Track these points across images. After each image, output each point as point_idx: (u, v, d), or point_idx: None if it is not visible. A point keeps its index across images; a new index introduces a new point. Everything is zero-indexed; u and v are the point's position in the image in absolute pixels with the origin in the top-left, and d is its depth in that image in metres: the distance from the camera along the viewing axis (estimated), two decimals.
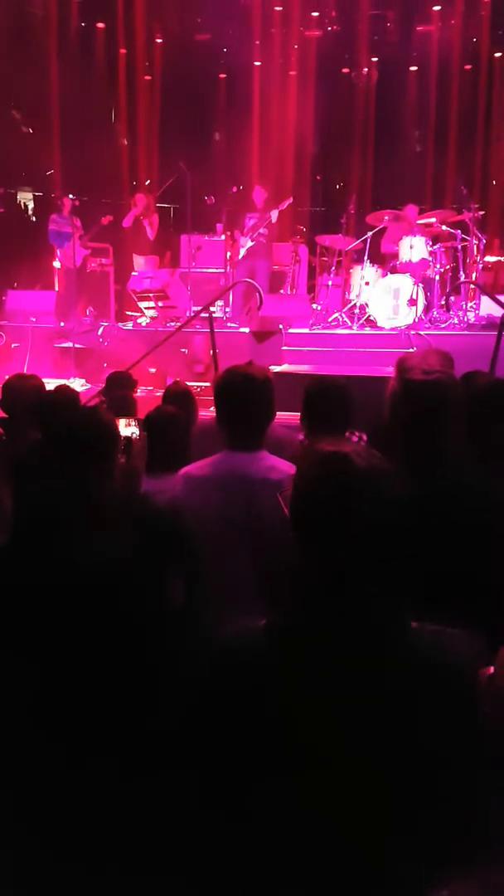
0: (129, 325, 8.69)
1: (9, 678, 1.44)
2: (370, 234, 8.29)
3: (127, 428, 2.05)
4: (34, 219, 12.51)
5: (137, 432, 2.08)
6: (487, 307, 8.01)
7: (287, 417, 2.89)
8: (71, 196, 8.92)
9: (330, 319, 8.19)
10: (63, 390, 3.45)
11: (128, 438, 2.06)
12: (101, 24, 11.88)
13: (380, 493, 1.09)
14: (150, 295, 8.31)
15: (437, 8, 11.60)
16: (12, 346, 7.75)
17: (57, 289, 8.86)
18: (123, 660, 1.44)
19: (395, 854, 1.03)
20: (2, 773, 1.37)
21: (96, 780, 1.36)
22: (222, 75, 12.39)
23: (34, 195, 12.76)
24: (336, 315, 8.19)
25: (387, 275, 7.98)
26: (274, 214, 8.41)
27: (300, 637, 1.10)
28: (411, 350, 6.22)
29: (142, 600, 1.51)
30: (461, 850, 1.02)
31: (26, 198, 12.99)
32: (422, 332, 7.38)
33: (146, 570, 1.61)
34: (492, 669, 1.10)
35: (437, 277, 8.06)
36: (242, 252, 8.57)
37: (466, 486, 1.73)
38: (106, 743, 1.35)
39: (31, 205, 12.93)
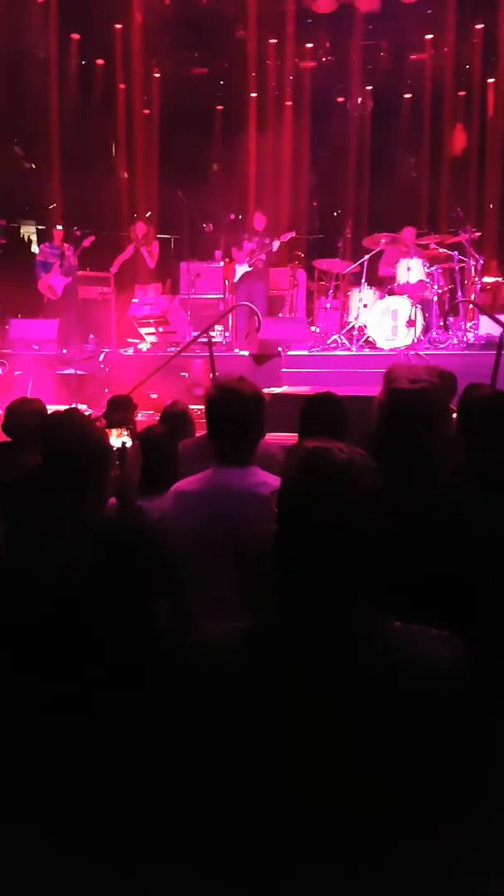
0: (130, 352, 8.77)
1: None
2: (367, 256, 8.38)
3: (118, 438, 2.06)
4: (37, 251, 12.72)
5: (130, 442, 2.10)
6: (486, 327, 8.05)
7: (286, 438, 2.91)
8: (59, 227, 9.11)
9: (329, 341, 8.24)
10: (70, 412, 3.49)
11: (121, 448, 2.08)
12: (100, 61, 12.19)
13: (358, 485, 1.11)
14: (151, 321, 8.40)
15: (429, 36, 11.86)
16: (15, 373, 7.83)
17: (48, 317, 9.02)
18: (109, 678, 1.43)
19: (373, 849, 1.03)
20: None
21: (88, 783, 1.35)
22: (219, 107, 12.65)
23: (37, 228, 12.97)
24: (335, 337, 8.25)
25: (384, 297, 8.05)
26: (275, 245, 8.54)
27: (277, 635, 1.11)
28: None
29: (116, 616, 1.49)
30: (440, 850, 1.02)
31: (29, 231, 13.20)
32: (421, 353, 7.41)
33: (129, 587, 1.61)
34: None
35: (436, 299, 8.12)
36: (238, 275, 8.67)
37: (450, 497, 1.73)
38: (90, 740, 1.35)
39: (34, 237, 13.14)
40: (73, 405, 7.26)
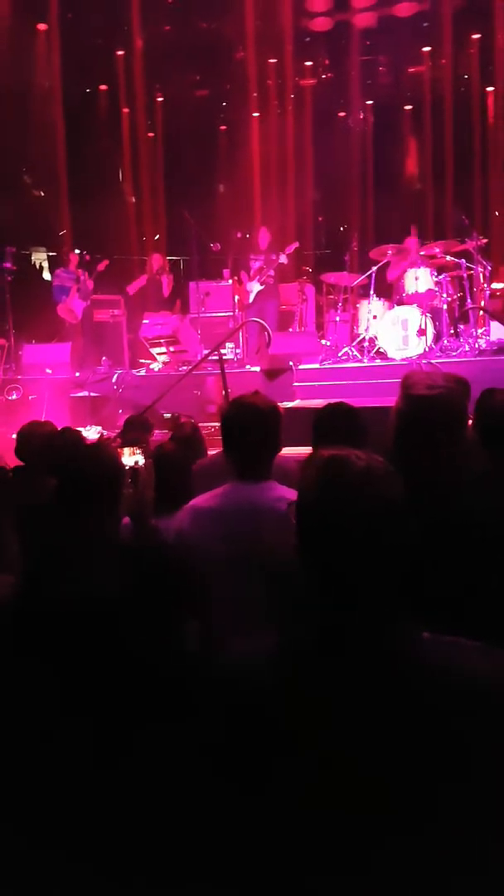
0: (143, 372, 8.81)
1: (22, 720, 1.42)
2: (374, 268, 8.38)
3: (131, 457, 2.05)
4: (48, 277, 12.86)
5: (143, 460, 2.08)
6: (498, 332, 8.03)
7: (300, 453, 2.88)
8: (77, 251, 9.25)
9: (340, 354, 8.23)
10: (67, 432, 3.49)
11: (133, 467, 2.06)
12: (103, 87, 12.37)
13: (378, 493, 1.08)
14: (162, 341, 8.44)
15: (426, 49, 11.94)
16: (30, 398, 7.88)
17: (63, 340, 9.13)
18: (133, 696, 1.41)
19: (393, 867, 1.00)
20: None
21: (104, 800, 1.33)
22: (223, 127, 12.78)
23: (48, 255, 13.13)
24: (346, 349, 8.24)
25: (394, 307, 8.03)
26: (283, 258, 8.58)
27: (305, 650, 1.09)
28: None
29: (146, 636, 1.48)
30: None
31: (40, 258, 13.36)
32: (433, 361, 7.38)
33: (157, 607, 1.59)
34: None
35: (445, 307, 8.10)
36: (252, 296, 8.71)
37: (473, 502, 1.70)
38: (111, 762, 1.32)
39: (45, 264, 13.29)
40: (88, 426, 7.29)
